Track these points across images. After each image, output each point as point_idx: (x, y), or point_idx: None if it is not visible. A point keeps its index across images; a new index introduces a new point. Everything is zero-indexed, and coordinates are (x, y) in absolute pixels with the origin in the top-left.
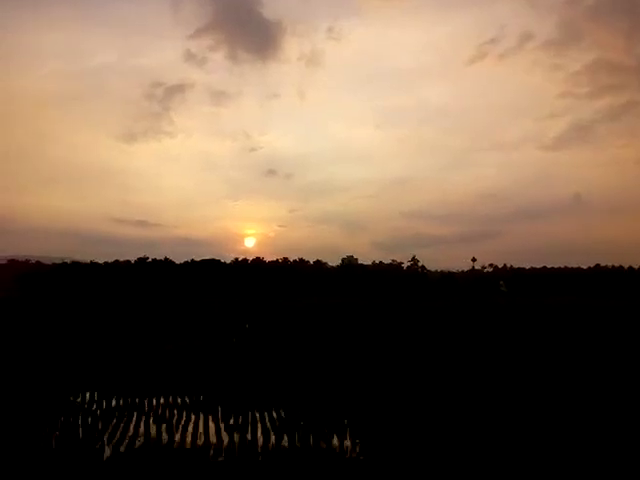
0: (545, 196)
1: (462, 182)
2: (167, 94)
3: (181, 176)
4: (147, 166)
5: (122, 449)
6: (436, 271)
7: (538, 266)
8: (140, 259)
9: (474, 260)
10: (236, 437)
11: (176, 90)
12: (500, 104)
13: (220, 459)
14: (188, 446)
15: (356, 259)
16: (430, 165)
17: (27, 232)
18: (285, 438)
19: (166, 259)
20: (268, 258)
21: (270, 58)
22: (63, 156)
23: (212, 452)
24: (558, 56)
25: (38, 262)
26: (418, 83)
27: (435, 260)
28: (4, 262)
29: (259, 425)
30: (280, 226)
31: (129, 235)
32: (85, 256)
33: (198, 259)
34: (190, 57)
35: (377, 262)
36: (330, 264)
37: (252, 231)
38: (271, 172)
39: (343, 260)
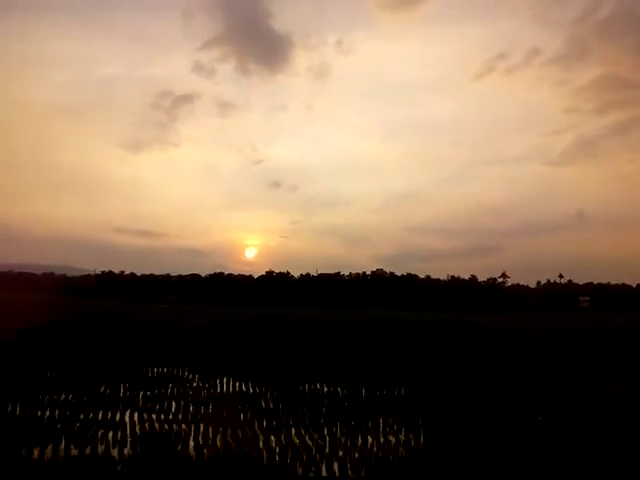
0: (549, 211)
1: (467, 196)
2: (174, 104)
3: (186, 186)
4: (152, 175)
5: None
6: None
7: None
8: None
9: (561, 277)
10: None
11: (183, 100)
12: (506, 119)
13: None
14: None
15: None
16: (435, 179)
17: (30, 240)
18: None
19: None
20: (270, 268)
21: (278, 70)
22: (68, 164)
23: None
24: (565, 71)
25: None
26: (425, 97)
27: (438, 275)
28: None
29: None
30: (282, 237)
31: (132, 244)
32: (88, 265)
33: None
34: (199, 68)
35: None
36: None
37: (254, 242)
38: (276, 184)
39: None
